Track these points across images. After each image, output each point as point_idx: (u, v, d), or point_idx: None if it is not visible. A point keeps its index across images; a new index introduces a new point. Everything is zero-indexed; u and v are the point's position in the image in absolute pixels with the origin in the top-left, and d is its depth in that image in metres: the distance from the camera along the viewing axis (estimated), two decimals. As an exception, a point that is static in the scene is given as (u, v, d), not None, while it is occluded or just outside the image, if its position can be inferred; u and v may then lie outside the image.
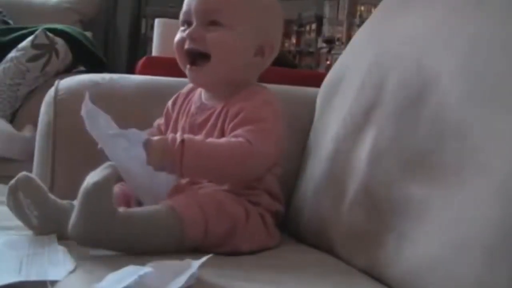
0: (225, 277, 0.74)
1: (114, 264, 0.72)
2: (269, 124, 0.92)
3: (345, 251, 0.91)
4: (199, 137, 0.90)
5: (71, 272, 0.72)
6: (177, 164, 0.85)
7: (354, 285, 0.80)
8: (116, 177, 0.81)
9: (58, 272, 0.70)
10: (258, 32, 0.97)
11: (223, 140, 0.90)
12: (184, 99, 1.04)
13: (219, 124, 0.95)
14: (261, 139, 0.90)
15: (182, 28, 0.98)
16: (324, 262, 0.91)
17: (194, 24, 0.95)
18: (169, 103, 1.06)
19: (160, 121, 1.06)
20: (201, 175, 0.92)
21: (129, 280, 0.64)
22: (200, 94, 1.02)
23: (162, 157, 0.85)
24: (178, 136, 0.87)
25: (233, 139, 0.89)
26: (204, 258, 0.70)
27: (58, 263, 0.74)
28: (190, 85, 1.05)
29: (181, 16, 0.98)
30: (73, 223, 0.79)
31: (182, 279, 0.65)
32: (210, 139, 0.90)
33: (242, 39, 0.96)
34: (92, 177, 0.79)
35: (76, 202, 0.81)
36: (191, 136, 0.89)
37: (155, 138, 0.87)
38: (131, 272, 0.66)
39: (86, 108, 0.89)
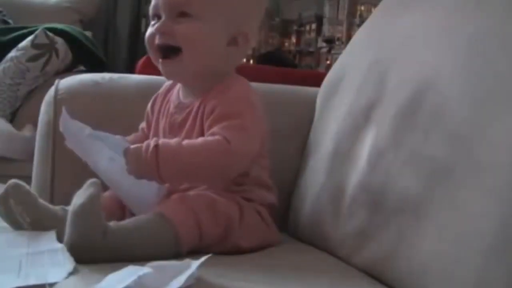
0: (224, 277, 0.74)
1: (113, 264, 0.72)
2: (246, 118, 0.90)
3: (344, 251, 0.91)
4: (174, 140, 0.87)
5: (71, 273, 0.71)
6: (154, 171, 0.84)
7: (353, 284, 0.81)
8: (100, 193, 0.80)
9: (58, 274, 0.70)
10: (230, 21, 0.94)
11: (199, 140, 0.88)
12: (163, 99, 1.02)
13: (197, 122, 0.93)
14: (238, 135, 0.87)
15: (152, 22, 0.95)
16: (324, 261, 0.91)
17: (163, 17, 0.93)
18: (149, 105, 1.04)
19: (143, 124, 1.05)
20: (180, 179, 0.90)
21: (128, 281, 0.64)
22: (178, 92, 1.00)
23: (138, 165, 0.84)
24: (152, 141, 0.85)
25: (209, 138, 0.87)
26: (203, 258, 0.70)
27: (57, 264, 0.74)
28: (167, 84, 1.03)
29: (150, 10, 0.96)
30: (66, 242, 0.79)
31: (181, 279, 0.65)
32: (186, 141, 0.88)
33: (212, 29, 0.93)
34: (78, 198, 0.78)
35: (68, 210, 0.80)
36: (166, 140, 0.88)
37: (133, 146, 0.86)
38: (131, 272, 0.66)
39: (64, 121, 0.89)
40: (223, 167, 0.88)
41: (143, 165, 0.84)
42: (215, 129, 0.88)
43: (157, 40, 0.93)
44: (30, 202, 0.88)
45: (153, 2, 0.95)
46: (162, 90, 1.04)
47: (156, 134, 0.99)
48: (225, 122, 0.88)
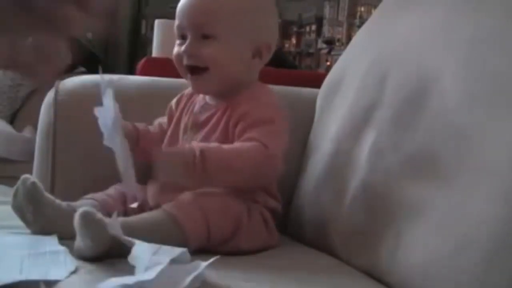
0: (227, 278, 0.74)
1: (115, 265, 0.72)
2: (277, 124, 0.93)
3: (345, 251, 0.91)
4: (213, 144, 0.90)
5: (72, 272, 0.71)
6: (199, 175, 0.86)
7: (354, 285, 0.80)
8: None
9: (59, 272, 0.70)
10: (253, 35, 0.98)
11: (238, 144, 0.91)
12: (188, 99, 1.04)
13: (222, 123, 0.96)
14: (274, 140, 0.91)
15: (177, 41, 0.99)
16: (325, 262, 0.91)
17: (189, 39, 0.96)
18: (173, 102, 1.06)
19: (163, 119, 1.07)
20: (221, 182, 0.91)
21: (131, 281, 0.65)
22: (205, 97, 1.03)
23: (182, 170, 0.86)
24: (195, 146, 0.88)
25: (247, 143, 0.90)
26: (210, 260, 0.70)
27: (59, 263, 0.74)
28: None
29: (175, 29, 0.99)
30: (76, 248, 0.79)
31: (187, 280, 0.65)
32: (225, 145, 0.90)
33: (237, 47, 0.97)
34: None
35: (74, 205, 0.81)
36: (204, 144, 0.90)
37: (167, 151, 0.87)
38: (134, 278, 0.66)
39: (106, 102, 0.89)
40: (262, 170, 0.91)
41: (185, 168, 0.86)
42: (251, 134, 0.91)
43: (185, 61, 0.97)
44: (35, 194, 0.88)
45: (176, 22, 0.99)
46: (188, 91, 1.06)
47: (176, 130, 1.01)
48: (259, 128, 0.91)
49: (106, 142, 0.87)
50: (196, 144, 0.89)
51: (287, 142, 0.96)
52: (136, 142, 1.00)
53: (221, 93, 0.99)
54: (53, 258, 0.76)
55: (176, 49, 0.98)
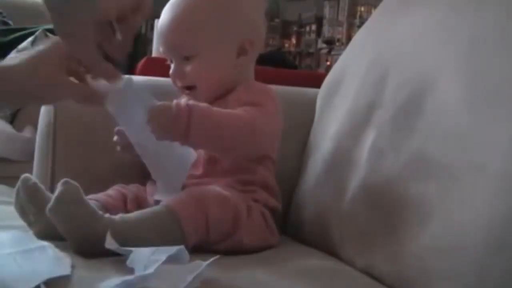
0: (227, 278, 0.74)
1: (116, 263, 0.72)
2: (268, 107, 0.94)
3: (345, 251, 0.91)
4: (203, 104, 0.89)
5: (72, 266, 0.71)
6: (182, 129, 0.84)
7: (354, 285, 0.80)
8: (79, 187, 0.79)
9: (62, 267, 0.70)
10: (232, 37, 0.99)
11: (227, 110, 0.91)
12: (189, 99, 1.05)
13: None
14: (261, 116, 0.91)
15: (168, 62, 1.02)
16: (325, 262, 0.91)
17: (173, 63, 1.00)
18: (174, 102, 1.07)
19: None
20: (208, 142, 0.90)
21: (131, 277, 0.65)
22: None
23: (166, 121, 0.84)
24: (182, 101, 0.88)
25: (236, 111, 0.91)
26: (211, 260, 0.70)
27: (55, 258, 0.73)
28: None
29: (162, 54, 1.03)
30: (66, 238, 0.79)
31: (188, 279, 0.65)
32: (214, 107, 0.90)
33: (219, 57, 0.99)
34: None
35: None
36: (195, 102, 0.90)
37: (159, 103, 0.86)
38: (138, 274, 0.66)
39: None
40: (246, 139, 0.91)
41: (172, 122, 0.84)
42: (246, 108, 0.92)
43: (177, 83, 1.01)
44: (35, 193, 0.87)
45: (160, 48, 1.03)
46: None
47: None
48: (249, 107, 0.92)
49: (136, 139, 0.87)
50: (186, 101, 0.90)
51: (279, 136, 0.97)
52: None
53: (218, 98, 1.00)
54: (45, 254, 0.75)
55: (170, 72, 1.02)
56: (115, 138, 0.98)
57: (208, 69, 0.98)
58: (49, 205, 0.78)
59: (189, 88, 1.00)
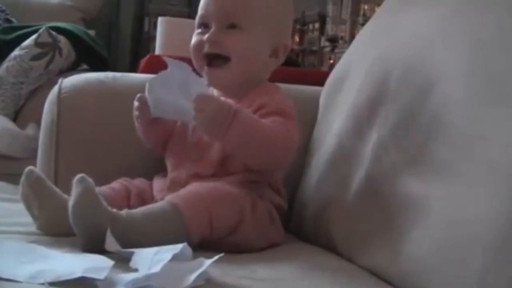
0: (231, 276, 0.74)
1: (117, 262, 0.72)
2: (293, 120, 0.95)
3: (348, 250, 0.91)
4: (247, 110, 0.90)
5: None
6: (224, 126, 0.86)
7: (358, 284, 0.80)
8: (93, 185, 0.80)
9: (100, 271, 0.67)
10: (274, 34, 0.99)
11: (265, 120, 0.91)
12: None
13: None
14: (293, 129, 0.93)
15: (198, 30, 0.98)
16: (328, 260, 0.91)
17: (213, 27, 0.96)
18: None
19: None
20: (241, 148, 0.90)
21: (137, 275, 0.65)
22: (212, 91, 1.03)
23: (214, 119, 0.86)
24: (232, 103, 0.88)
25: (273, 123, 0.91)
26: (214, 258, 0.70)
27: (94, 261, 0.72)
28: None
29: (198, 19, 0.99)
30: (77, 235, 0.79)
31: (191, 278, 0.65)
32: (255, 116, 0.91)
33: (259, 42, 0.97)
34: (73, 194, 0.80)
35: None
36: (240, 106, 0.90)
37: (209, 95, 0.88)
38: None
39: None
40: (281, 151, 0.92)
41: (219, 119, 0.86)
42: (275, 118, 0.92)
43: (206, 49, 0.96)
44: (39, 185, 0.88)
45: (201, 11, 0.98)
46: None
47: (183, 128, 1.01)
48: (280, 116, 0.92)
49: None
50: (234, 103, 0.90)
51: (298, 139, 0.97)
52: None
53: (234, 89, 0.99)
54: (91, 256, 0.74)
55: (196, 38, 0.98)
56: (136, 104, 0.98)
57: (249, 47, 0.96)
58: (71, 203, 0.79)
59: (215, 62, 0.97)
